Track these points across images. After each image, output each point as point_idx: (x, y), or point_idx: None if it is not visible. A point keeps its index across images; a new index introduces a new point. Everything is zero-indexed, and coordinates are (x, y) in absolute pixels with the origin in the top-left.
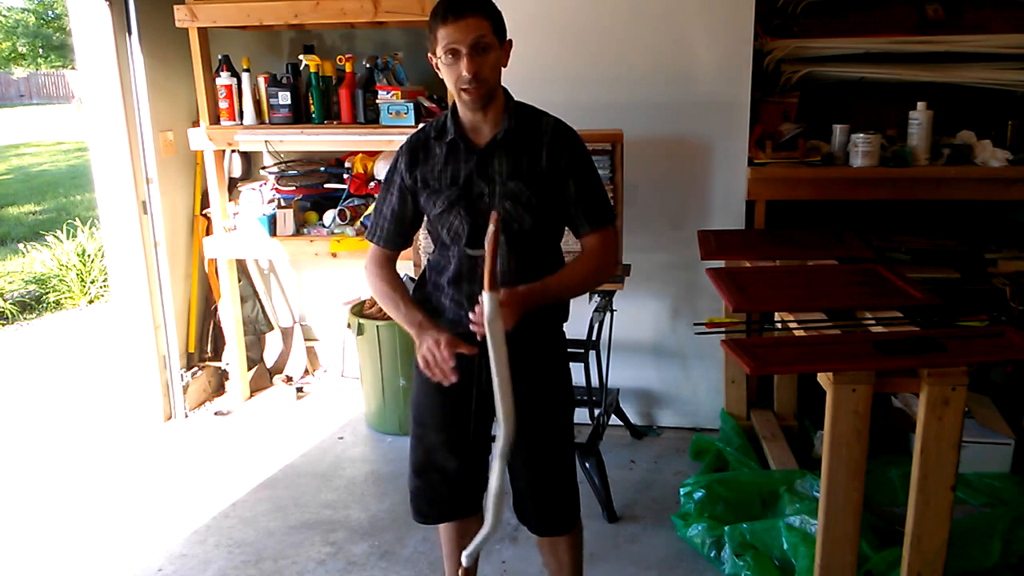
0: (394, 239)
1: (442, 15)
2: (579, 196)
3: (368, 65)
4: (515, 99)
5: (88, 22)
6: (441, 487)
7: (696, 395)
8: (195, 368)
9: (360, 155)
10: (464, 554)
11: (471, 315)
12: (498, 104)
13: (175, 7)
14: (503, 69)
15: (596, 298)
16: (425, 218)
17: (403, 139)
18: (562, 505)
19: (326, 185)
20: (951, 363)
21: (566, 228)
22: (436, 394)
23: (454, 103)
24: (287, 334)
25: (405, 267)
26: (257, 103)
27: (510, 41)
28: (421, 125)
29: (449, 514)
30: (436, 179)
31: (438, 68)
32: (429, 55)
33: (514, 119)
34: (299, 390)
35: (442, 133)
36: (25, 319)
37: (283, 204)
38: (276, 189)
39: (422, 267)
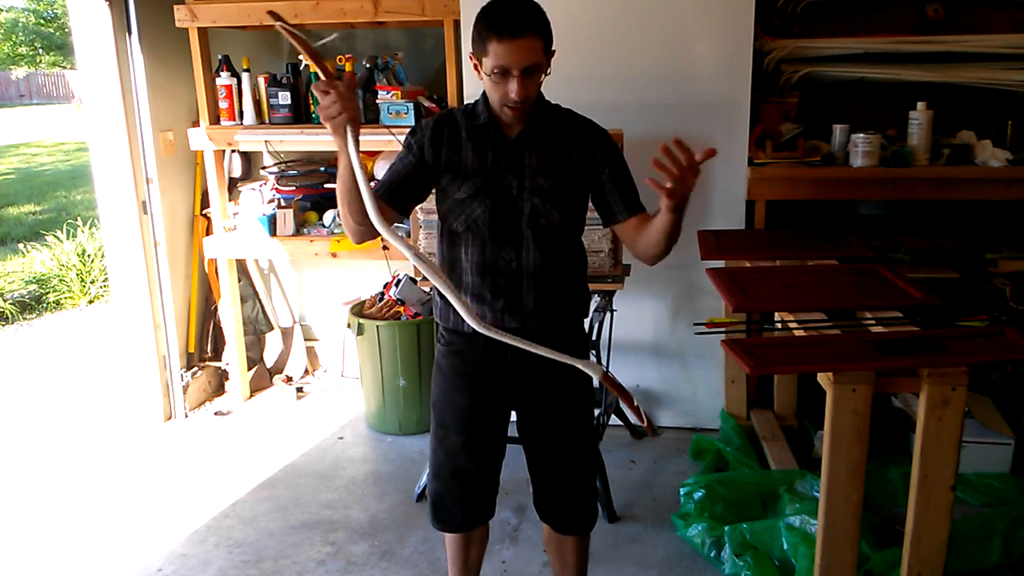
0: (388, 195)
1: (497, 31)
2: (617, 184)
3: (368, 65)
4: (545, 98)
5: (88, 22)
6: (462, 493)
7: (696, 395)
8: (195, 368)
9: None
10: None
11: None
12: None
13: (175, 7)
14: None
15: (596, 298)
16: (436, 213)
17: (403, 139)
18: (585, 503)
19: (326, 185)
20: (951, 363)
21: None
22: (457, 395)
23: (484, 91)
24: (287, 334)
25: (407, 268)
26: (257, 103)
27: (554, 51)
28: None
29: (469, 522)
30: (461, 163)
31: (477, 69)
32: (470, 55)
33: (545, 114)
34: (299, 390)
35: (472, 117)
36: (25, 319)
37: (283, 204)
38: (276, 189)
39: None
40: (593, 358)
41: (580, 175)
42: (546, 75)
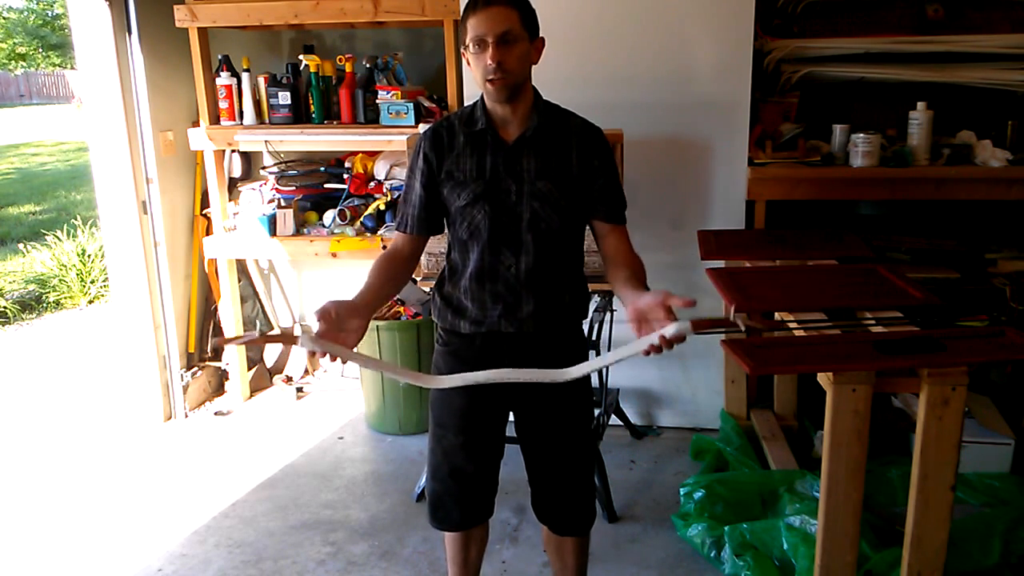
0: (422, 224)
1: (472, 5)
2: (606, 193)
3: (368, 65)
4: (543, 98)
5: (88, 22)
6: (460, 492)
7: (696, 395)
8: (195, 368)
9: (360, 155)
10: None
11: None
12: (527, 101)
13: (175, 7)
14: (534, 66)
15: (596, 298)
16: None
17: (403, 139)
18: (583, 504)
19: (326, 185)
20: (951, 363)
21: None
22: (455, 395)
23: (483, 94)
24: None
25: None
26: (257, 103)
27: (542, 39)
28: (445, 115)
29: (467, 521)
30: (460, 170)
31: (468, 62)
32: (462, 50)
33: (543, 116)
34: (299, 390)
35: (470, 122)
36: (25, 319)
37: (283, 204)
38: (276, 189)
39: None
40: (593, 357)
41: (578, 179)
42: (535, 63)
